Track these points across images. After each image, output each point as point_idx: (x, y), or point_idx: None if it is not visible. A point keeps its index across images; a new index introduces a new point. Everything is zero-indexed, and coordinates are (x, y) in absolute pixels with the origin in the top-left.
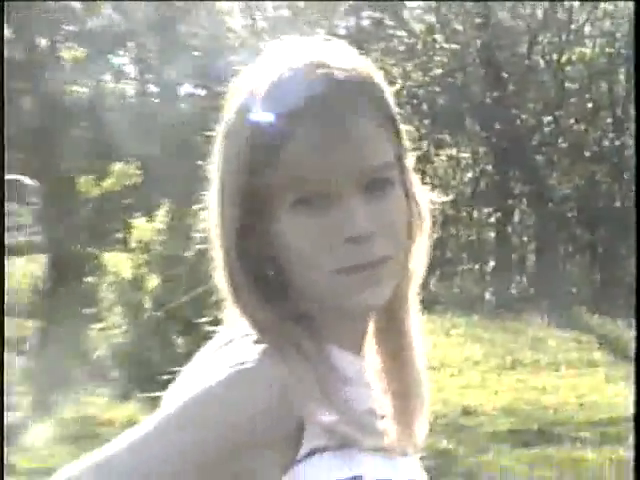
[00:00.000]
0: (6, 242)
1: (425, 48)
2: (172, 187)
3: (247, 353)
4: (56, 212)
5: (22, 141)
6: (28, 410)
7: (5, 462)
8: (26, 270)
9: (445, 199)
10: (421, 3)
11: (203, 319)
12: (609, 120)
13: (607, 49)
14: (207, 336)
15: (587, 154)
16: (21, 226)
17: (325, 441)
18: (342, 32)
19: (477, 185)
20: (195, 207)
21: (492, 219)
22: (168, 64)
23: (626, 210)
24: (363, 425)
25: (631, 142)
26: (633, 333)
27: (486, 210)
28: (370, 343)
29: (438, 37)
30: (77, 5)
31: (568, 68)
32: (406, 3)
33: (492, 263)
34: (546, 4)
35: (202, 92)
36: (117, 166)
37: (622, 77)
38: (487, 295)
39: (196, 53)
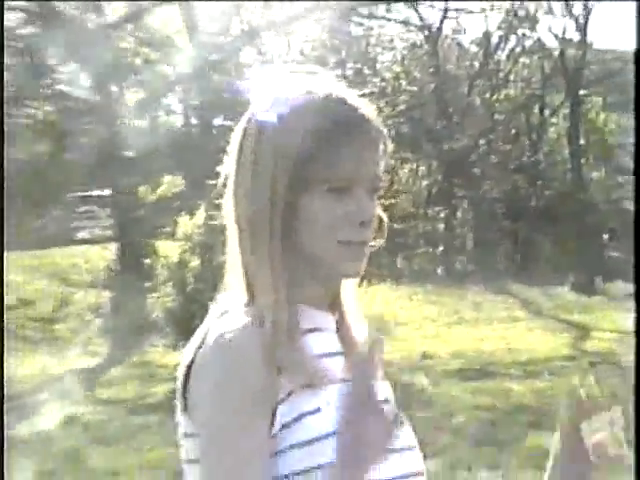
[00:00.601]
0: (88, 235)
1: (393, 90)
2: (207, 193)
3: (239, 323)
4: (123, 213)
5: (99, 161)
6: (105, 357)
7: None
8: (101, 254)
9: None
10: (389, 57)
11: None
12: (527, 142)
13: (526, 91)
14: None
15: (511, 167)
16: (99, 223)
17: (296, 384)
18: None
19: (430, 190)
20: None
21: (441, 215)
22: (205, 102)
23: (539, 207)
24: (322, 368)
25: (543, 158)
26: (546, 297)
27: (437, 208)
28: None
29: (402, 82)
30: (138, 60)
31: (497, 104)
32: (379, 57)
33: (441, 247)
34: (480, 58)
35: (231, 123)
36: (167, 178)
37: (536, 111)
38: (439, 270)
39: (225, 95)
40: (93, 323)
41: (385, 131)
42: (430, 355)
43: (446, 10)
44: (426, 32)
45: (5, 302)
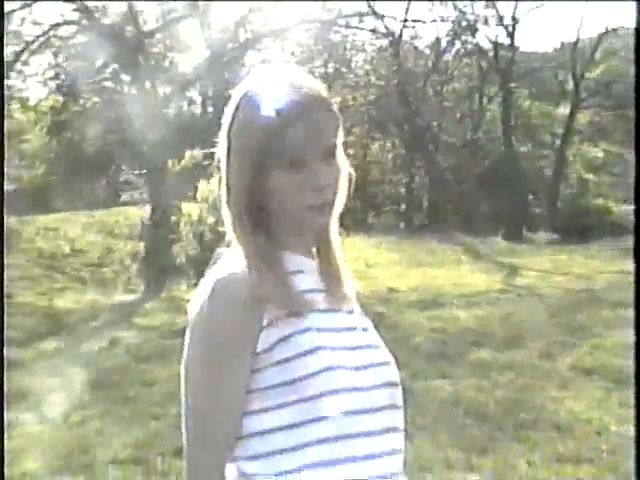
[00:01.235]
0: (128, 199)
1: (364, 84)
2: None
3: (232, 265)
4: (155, 181)
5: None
6: (141, 293)
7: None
8: (138, 214)
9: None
10: (361, 58)
11: None
12: (469, 124)
13: (468, 84)
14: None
15: (457, 144)
16: (136, 189)
17: (279, 312)
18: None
19: (395, 161)
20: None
21: (403, 181)
22: (218, 94)
23: (479, 175)
24: (302, 297)
25: (482, 136)
26: (483, 244)
27: (400, 176)
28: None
29: (372, 78)
30: (166, 62)
31: (446, 95)
32: (353, 59)
33: (403, 206)
34: (432, 58)
35: None
36: (188, 153)
37: (476, 100)
38: (401, 225)
39: (234, 88)
40: (131, 267)
41: (333, 106)
42: (394, 290)
43: (405, 21)
44: (390, 38)
45: (62, 251)
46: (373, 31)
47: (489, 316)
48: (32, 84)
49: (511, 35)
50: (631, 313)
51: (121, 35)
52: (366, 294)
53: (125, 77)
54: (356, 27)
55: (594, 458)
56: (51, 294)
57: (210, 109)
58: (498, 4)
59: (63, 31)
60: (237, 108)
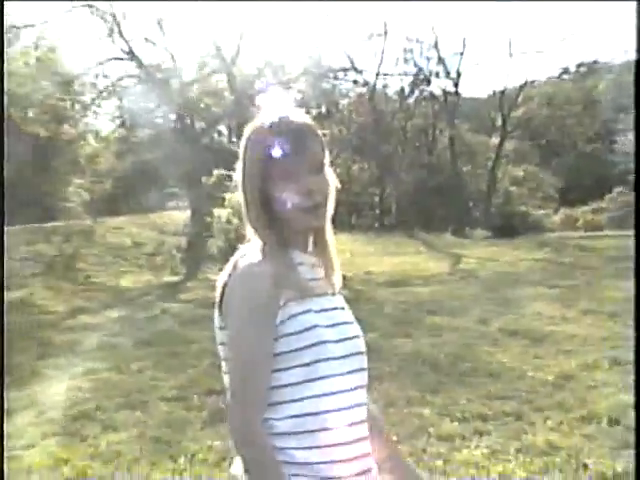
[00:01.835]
0: (174, 205)
1: (347, 120)
2: None
3: (253, 258)
4: (194, 192)
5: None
6: (183, 275)
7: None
8: (181, 216)
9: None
10: (345, 101)
11: None
12: (425, 150)
13: (425, 121)
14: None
15: (417, 164)
16: (180, 198)
17: (291, 295)
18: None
19: (371, 178)
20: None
21: (377, 192)
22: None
23: (433, 187)
24: (307, 285)
25: (435, 159)
26: (437, 239)
27: (374, 188)
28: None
29: (353, 115)
30: (202, 105)
31: (408, 128)
32: (339, 101)
33: (377, 211)
34: (398, 102)
35: None
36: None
37: (431, 133)
38: (376, 225)
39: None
40: (176, 256)
41: (318, 132)
42: (370, 273)
43: (378, 74)
44: (367, 87)
45: (125, 245)
46: (355, 82)
47: (440, 292)
48: (103, 121)
49: (456, 85)
50: (545, 290)
51: (168, 85)
52: (349, 277)
53: (171, 116)
54: (342, 79)
55: (515, 396)
56: (117, 276)
57: (234, 139)
58: (446, 61)
59: (126, 82)
60: (247, 139)
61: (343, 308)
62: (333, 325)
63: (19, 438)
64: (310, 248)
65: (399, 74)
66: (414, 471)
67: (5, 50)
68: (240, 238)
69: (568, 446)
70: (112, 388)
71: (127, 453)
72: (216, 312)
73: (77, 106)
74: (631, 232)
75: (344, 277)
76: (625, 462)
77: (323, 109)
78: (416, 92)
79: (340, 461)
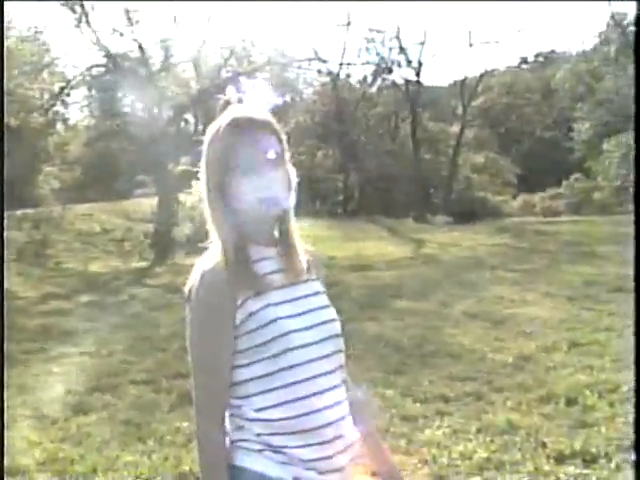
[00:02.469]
0: (142, 192)
1: (312, 109)
2: None
3: (210, 261)
4: (161, 180)
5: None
6: (151, 261)
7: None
8: (149, 204)
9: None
10: (310, 91)
11: None
12: (388, 137)
13: (387, 109)
14: None
15: (379, 150)
16: (147, 185)
17: (248, 293)
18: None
19: (334, 165)
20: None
21: (340, 179)
22: (207, 117)
23: (395, 174)
24: (264, 280)
25: (397, 147)
26: (399, 225)
27: (338, 174)
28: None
29: (318, 104)
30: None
31: (370, 116)
32: (304, 91)
33: (341, 197)
34: (361, 90)
35: None
36: (183, 159)
37: (393, 121)
38: (339, 210)
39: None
40: (145, 242)
41: (276, 127)
42: (334, 258)
43: (342, 64)
44: (331, 76)
45: (94, 231)
46: (319, 71)
47: (402, 276)
48: (72, 110)
49: (417, 74)
50: (505, 274)
51: (136, 74)
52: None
53: (139, 104)
54: (306, 68)
55: (476, 377)
56: (87, 262)
57: (200, 127)
58: (408, 51)
59: (95, 71)
60: (210, 138)
61: (317, 293)
62: (300, 314)
63: None
64: (275, 240)
65: (362, 63)
66: (390, 461)
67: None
68: (206, 224)
69: (527, 425)
70: (82, 372)
71: (97, 435)
72: (187, 308)
73: (46, 95)
74: (586, 218)
75: (316, 264)
76: (582, 440)
77: (287, 98)
78: (378, 81)
79: (318, 444)
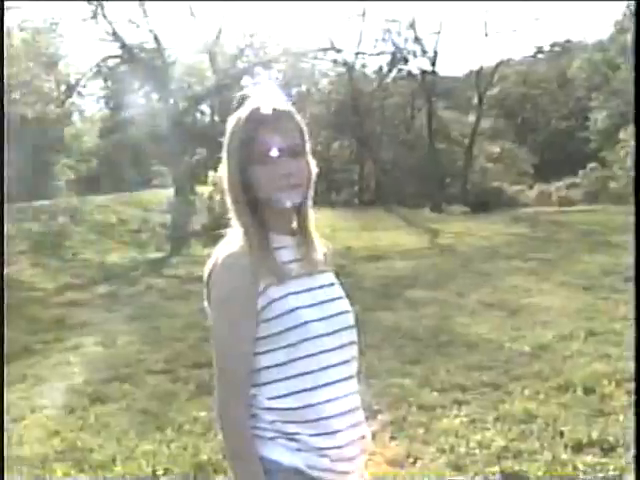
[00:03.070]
0: (158, 182)
1: (327, 99)
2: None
3: (232, 247)
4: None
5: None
6: (167, 252)
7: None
8: (165, 194)
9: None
10: (325, 81)
11: None
12: (404, 128)
13: (403, 99)
14: None
15: (395, 143)
16: (164, 176)
17: (270, 280)
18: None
19: (350, 155)
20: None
21: (356, 169)
22: (223, 107)
23: (412, 165)
24: (285, 269)
25: (412, 137)
26: (415, 215)
27: (354, 165)
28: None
29: (333, 95)
30: (185, 85)
31: (386, 107)
32: (320, 81)
33: (357, 187)
34: (377, 81)
35: None
36: (199, 150)
37: (408, 111)
38: (355, 200)
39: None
40: (161, 233)
41: (297, 118)
42: (350, 248)
43: (357, 53)
44: (346, 66)
45: (111, 222)
46: (334, 61)
47: (418, 266)
48: (88, 101)
49: (433, 64)
50: (521, 263)
51: (152, 65)
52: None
53: (154, 95)
54: (321, 58)
55: (493, 366)
56: (103, 252)
57: (216, 118)
58: (423, 41)
59: (110, 63)
60: (231, 128)
61: (332, 285)
62: (316, 304)
63: (10, 411)
64: (293, 230)
65: (377, 54)
66: None
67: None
68: (222, 215)
69: (545, 414)
70: (100, 362)
71: (116, 425)
72: (205, 302)
73: (62, 87)
74: (602, 207)
75: (328, 256)
76: (600, 429)
77: (303, 88)
78: (394, 71)
79: (331, 433)
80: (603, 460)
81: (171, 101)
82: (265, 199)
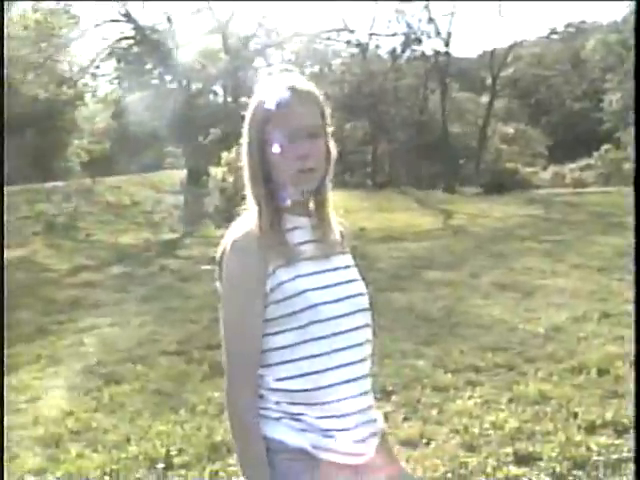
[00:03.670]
0: (169, 165)
1: (340, 80)
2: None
3: (244, 227)
4: (191, 151)
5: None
6: (181, 233)
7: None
8: (178, 175)
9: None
10: (338, 62)
11: None
12: (417, 109)
13: (416, 80)
14: None
15: (409, 124)
16: (177, 157)
17: (280, 262)
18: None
19: (364, 137)
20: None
21: (370, 150)
22: (236, 88)
23: (426, 147)
24: (296, 250)
25: (426, 118)
26: (428, 196)
27: (367, 147)
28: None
29: (346, 75)
30: (197, 66)
31: (400, 88)
32: (332, 62)
33: (370, 169)
34: (390, 61)
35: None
36: (212, 130)
37: (422, 92)
38: (368, 181)
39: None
40: (174, 214)
41: (318, 99)
42: (364, 229)
43: (371, 35)
44: (359, 47)
45: (124, 203)
46: (347, 42)
47: (432, 247)
48: (102, 82)
49: (447, 45)
50: (535, 245)
51: (165, 46)
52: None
53: (168, 77)
54: (334, 39)
55: (507, 347)
56: (117, 233)
57: (229, 99)
58: (437, 22)
59: (123, 44)
60: (252, 108)
61: (347, 267)
62: (329, 286)
63: (24, 392)
64: (310, 211)
65: (391, 34)
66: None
67: (4, 18)
68: (235, 196)
69: (559, 396)
70: (114, 343)
71: (129, 405)
72: (217, 283)
73: (75, 68)
74: (616, 189)
75: (345, 238)
76: (614, 410)
77: (315, 69)
78: (407, 52)
79: (339, 415)
80: (617, 441)
81: (184, 82)
82: (281, 179)
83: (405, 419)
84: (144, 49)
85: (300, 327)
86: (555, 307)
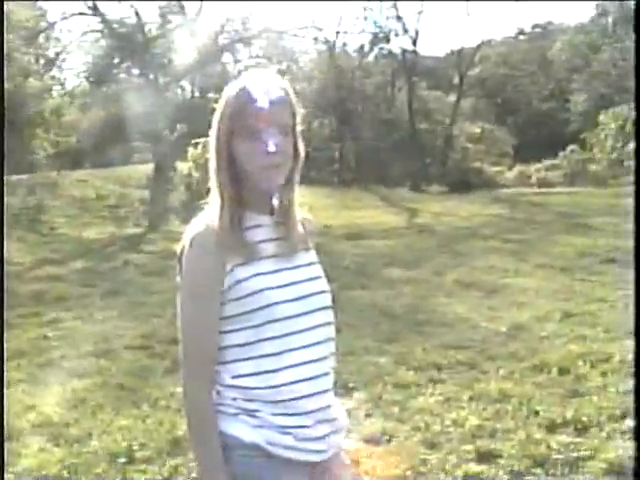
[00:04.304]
0: (137, 158)
1: (308, 76)
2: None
3: (204, 223)
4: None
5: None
6: (145, 228)
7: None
8: (144, 170)
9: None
10: (306, 58)
11: None
12: (384, 107)
13: (384, 78)
14: None
15: (376, 122)
16: (143, 152)
17: (238, 260)
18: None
19: (331, 134)
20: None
21: (336, 147)
22: (204, 83)
23: (391, 144)
24: (255, 249)
25: (393, 116)
26: (393, 194)
27: (334, 144)
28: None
29: (315, 72)
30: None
31: (367, 86)
32: (300, 58)
33: (336, 166)
34: (346, 59)
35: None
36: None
37: (389, 90)
38: (335, 179)
39: (215, 80)
40: (139, 208)
41: (290, 97)
42: (329, 226)
43: (338, 32)
44: (327, 45)
45: (89, 197)
46: (315, 39)
47: (396, 245)
48: (69, 75)
49: (414, 43)
50: (499, 244)
51: (132, 40)
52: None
53: (135, 71)
54: (302, 36)
55: (469, 345)
56: (81, 227)
57: (196, 94)
58: (405, 20)
59: (91, 37)
60: (222, 103)
61: (310, 264)
62: (288, 285)
63: None
64: (273, 208)
65: (359, 32)
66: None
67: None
68: (201, 191)
69: (520, 394)
70: (77, 337)
71: (91, 400)
72: (177, 278)
73: (42, 60)
74: (582, 189)
75: (310, 234)
76: (574, 409)
77: (283, 66)
78: (375, 50)
79: (296, 414)
80: (577, 440)
81: (151, 76)
82: (246, 175)
83: (367, 416)
84: (112, 43)
85: (255, 326)
86: (518, 306)
